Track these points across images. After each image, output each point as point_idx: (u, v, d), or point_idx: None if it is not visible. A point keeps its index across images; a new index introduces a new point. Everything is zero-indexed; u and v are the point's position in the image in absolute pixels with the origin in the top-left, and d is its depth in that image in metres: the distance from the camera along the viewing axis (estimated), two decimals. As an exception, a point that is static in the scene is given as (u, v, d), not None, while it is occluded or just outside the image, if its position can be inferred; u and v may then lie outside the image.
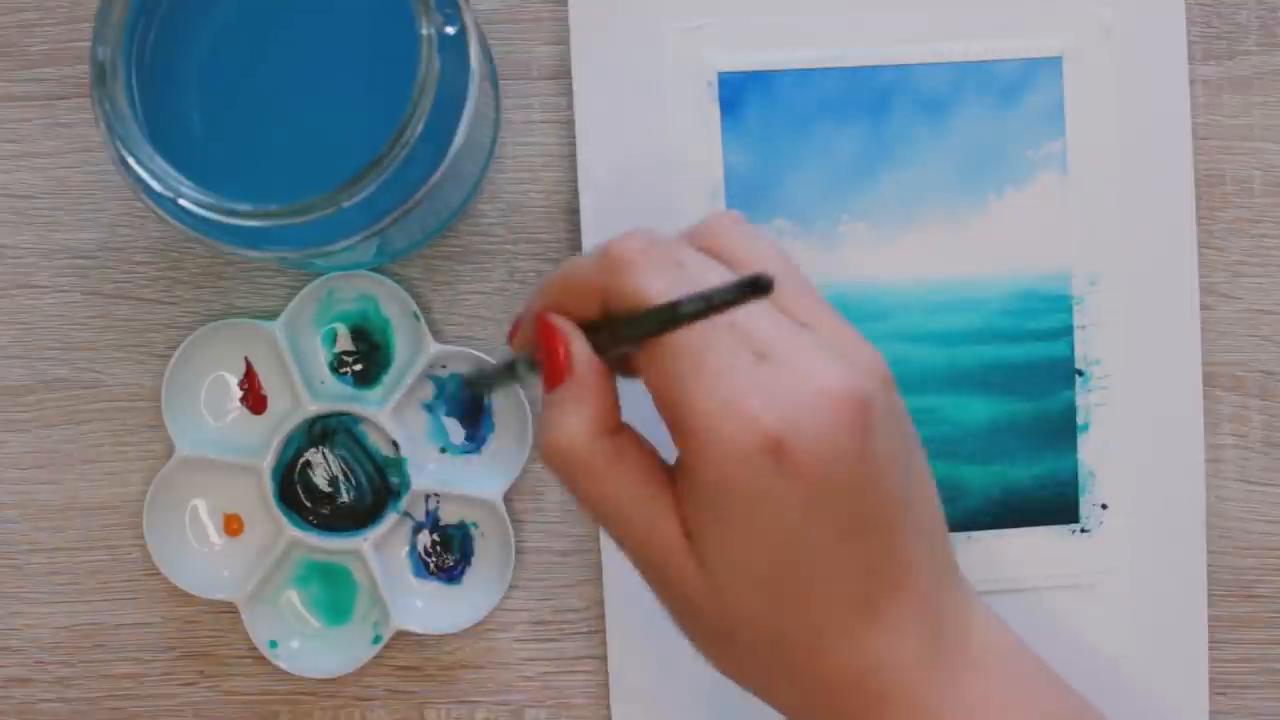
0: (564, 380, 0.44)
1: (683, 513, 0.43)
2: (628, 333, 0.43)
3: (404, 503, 0.55)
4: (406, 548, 0.56)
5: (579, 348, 0.44)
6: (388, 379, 0.55)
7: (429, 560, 0.56)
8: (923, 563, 0.44)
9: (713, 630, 0.44)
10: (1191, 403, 0.55)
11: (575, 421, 0.43)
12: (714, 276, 0.43)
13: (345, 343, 0.55)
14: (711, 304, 0.40)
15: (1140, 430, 0.55)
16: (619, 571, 0.55)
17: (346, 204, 0.45)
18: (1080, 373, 0.55)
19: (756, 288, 0.38)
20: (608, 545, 0.55)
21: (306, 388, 0.54)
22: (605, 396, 0.44)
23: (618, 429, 0.44)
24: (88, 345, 0.56)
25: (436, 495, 0.55)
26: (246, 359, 0.55)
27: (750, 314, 0.42)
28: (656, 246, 0.43)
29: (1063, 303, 0.55)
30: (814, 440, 0.41)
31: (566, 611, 0.56)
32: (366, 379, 0.55)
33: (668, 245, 0.43)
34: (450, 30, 0.46)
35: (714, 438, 0.41)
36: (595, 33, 0.55)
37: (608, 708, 0.56)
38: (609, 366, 0.44)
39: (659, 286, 0.42)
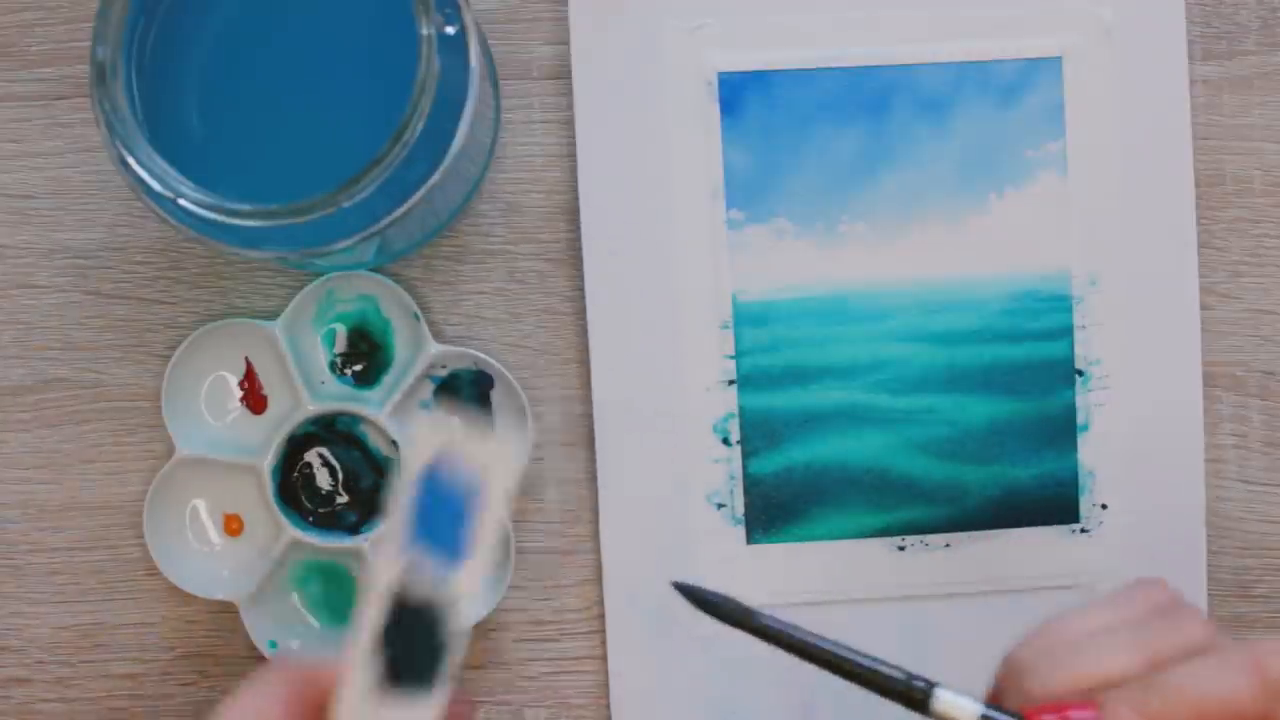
0: None
1: None
2: None
3: (404, 503, 0.55)
4: (406, 548, 0.56)
5: None
6: (388, 379, 0.55)
7: (429, 560, 0.56)
8: None
9: None
10: (1191, 403, 0.55)
11: None
12: None
13: (345, 343, 0.55)
14: None
15: (1140, 430, 0.55)
16: (619, 571, 0.55)
17: (346, 204, 0.45)
18: (1080, 373, 0.55)
19: None
20: (608, 545, 0.55)
21: (306, 388, 0.54)
22: None
23: None
24: (88, 345, 0.56)
25: (436, 495, 0.55)
26: (246, 359, 0.55)
27: None
28: None
29: (1063, 303, 0.55)
30: None
31: (566, 611, 0.56)
32: (367, 379, 0.55)
33: None
34: (450, 30, 0.46)
35: None
36: (595, 33, 0.55)
37: (608, 708, 0.56)
38: None
39: None
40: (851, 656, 0.41)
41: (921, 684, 0.41)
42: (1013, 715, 0.40)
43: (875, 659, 0.41)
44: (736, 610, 0.42)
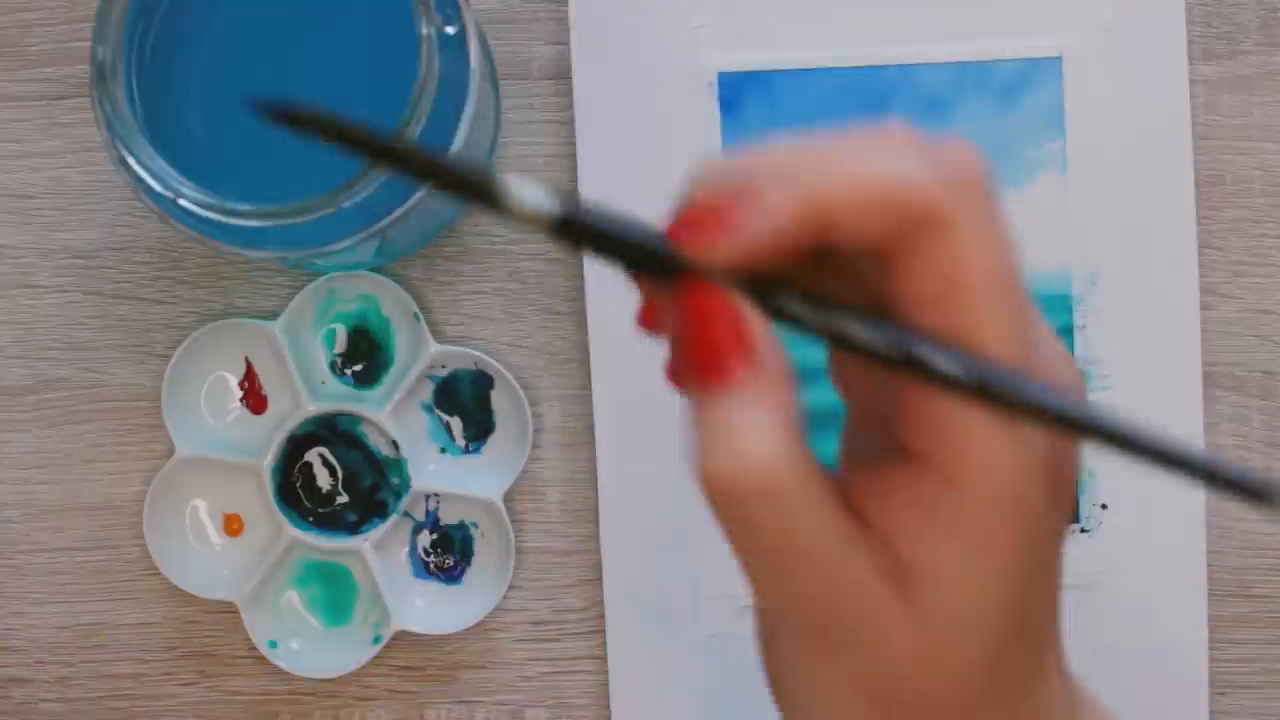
0: (739, 376, 0.32)
1: (897, 543, 0.33)
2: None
3: (404, 503, 0.55)
4: (406, 548, 0.56)
5: (763, 331, 0.32)
6: (388, 379, 0.55)
7: (429, 560, 0.56)
8: None
9: (906, 690, 0.33)
10: (1191, 403, 0.55)
11: (769, 434, 0.31)
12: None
13: (345, 343, 0.55)
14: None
15: (1140, 430, 0.55)
16: (619, 571, 0.55)
17: (346, 204, 0.45)
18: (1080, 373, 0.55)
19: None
20: (608, 545, 0.55)
21: (306, 388, 0.54)
22: (794, 395, 0.32)
23: (803, 440, 0.32)
24: (88, 345, 0.56)
25: (436, 495, 0.55)
26: (246, 359, 0.55)
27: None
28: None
29: (1063, 303, 0.55)
30: (1076, 471, 0.35)
31: (566, 611, 0.56)
32: (367, 379, 0.55)
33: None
34: (450, 30, 0.46)
35: (1009, 446, 0.32)
36: (595, 33, 0.55)
37: (608, 708, 0.56)
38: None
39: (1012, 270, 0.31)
40: (412, 147, 0.31)
41: (481, 172, 0.31)
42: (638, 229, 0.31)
43: (443, 153, 0.30)
44: (322, 119, 0.32)
